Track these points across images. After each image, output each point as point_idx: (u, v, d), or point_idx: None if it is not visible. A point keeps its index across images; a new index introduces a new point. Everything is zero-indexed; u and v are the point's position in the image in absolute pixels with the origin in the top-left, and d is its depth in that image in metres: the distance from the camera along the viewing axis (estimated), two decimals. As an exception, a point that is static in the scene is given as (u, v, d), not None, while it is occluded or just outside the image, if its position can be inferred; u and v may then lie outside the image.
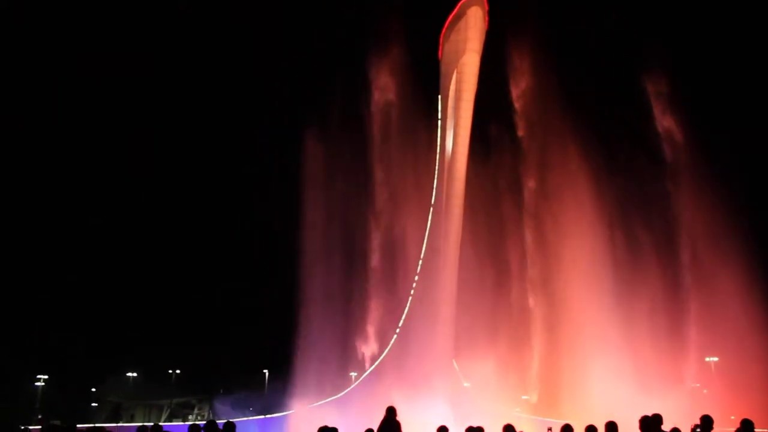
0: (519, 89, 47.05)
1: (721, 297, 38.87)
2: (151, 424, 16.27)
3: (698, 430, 13.96)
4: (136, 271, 75.74)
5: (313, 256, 44.41)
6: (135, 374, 73.34)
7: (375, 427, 16.02)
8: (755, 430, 13.41)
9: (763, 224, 42.94)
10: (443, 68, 49.01)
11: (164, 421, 62.19)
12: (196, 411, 74.45)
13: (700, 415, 13.98)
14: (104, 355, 70.03)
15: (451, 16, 48.43)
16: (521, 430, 14.21)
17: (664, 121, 44.23)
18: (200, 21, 78.48)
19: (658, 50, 44.14)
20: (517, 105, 46.99)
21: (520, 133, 47.24)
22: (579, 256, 41.41)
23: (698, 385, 46.75)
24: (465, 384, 45.38)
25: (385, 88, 48.09)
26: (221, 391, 76.42)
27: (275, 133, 68.58)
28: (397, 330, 46.55)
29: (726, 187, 40.71)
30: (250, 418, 49.69)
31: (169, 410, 71.08)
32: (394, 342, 46.42)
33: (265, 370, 73.51)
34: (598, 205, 41.81)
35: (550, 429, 14.75)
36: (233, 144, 77.69)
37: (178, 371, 76.91)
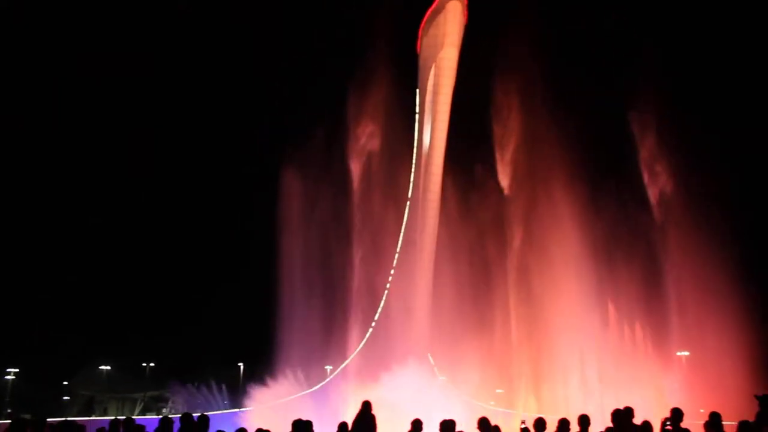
0: (504, 145, 46.30)
1: (693, 294, 39.36)
2: (123, 417, 16.07)
3: (668, 423, 14.14)
4: (110, 263, 75.09)
5: (291, 251, 44.16)
6: (108, 367, 72.64)
7: (350, 421, 16.02)
8: (723, 422, 13.64)
9: (733, 228, 43.55)
10: (421, 62, 49.02)
11: (137, 415, 61.68)
12: (170, 404, 73.86)
13: (670, 408, 14.20)
14: (77, 347, 69.25)
15: (429, 10, 48.41)
16: (496, 423, 14.28)
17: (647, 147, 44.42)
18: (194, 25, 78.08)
19: (648, 88, 44.24)
20: (500, 155, 46.33)
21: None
22: (558, 253, 41.48)
23: (671, 379, 47.33)
24: (440, 378, 45.51)
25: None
26: (195, 384, 75.87)
27: (262, 136, 68.43)
28: (373, 323, 46.49)
29: (700, 192, 41.27)
30: (225, 411, 49.39)
31: (142, 403, 70.53)
32: (369, 335, 46.38)
33: (241, 363, 73.17)
34: (578, 208, 41.90)
35: (524, 422, 14.87)
36: (220, 143, 77.51)
37: (152, 364, 76.25)
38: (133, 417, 19.38)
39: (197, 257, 77.15)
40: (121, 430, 14.98)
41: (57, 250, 74.45)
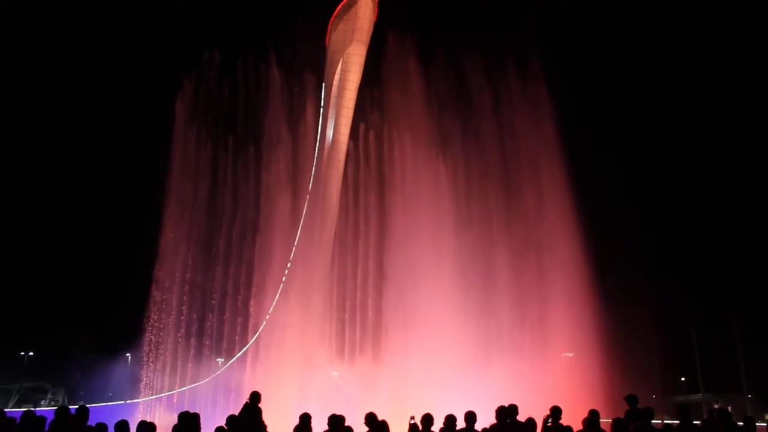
0: None
1: (575, 297, 40.94)
2: (-7, 409, 15.18)
3: (549, 420, 14.77)
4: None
5: (184, 240, 43.13)
6: (-20, 356, 68.64)
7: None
8: (600, 419, 14.37)
9: (607, 239, 45.76)
10: (329, 57, 48.78)
11: (12, 407, 58.57)
12: (49, 396, 70.66)
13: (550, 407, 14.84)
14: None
15: (340, 5, 48.25)
16: (383, 418, 14.41)
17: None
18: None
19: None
20: None
21: None
22: (446, 250, 41.73)
23: (555, 378, 49.17)
24: (333, 373, 45.57)
25: None
26: (79, 375, 72.68)
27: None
28: (267, 316, 45.95)
29: (572, 201, 43.00)
30: (109, 403, 47.83)
31: (18, 395, 67.00)
32: (263, 328, 45.81)
33: (128, 354, 70.63)
34: (455, 208, 42.56)
35: (412, 418, 15.13)
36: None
37: (31, 353, 72.45)
38: (5, 409, 18.36)
39: (75, 242, 73.70)
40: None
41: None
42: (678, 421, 14.49)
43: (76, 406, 14.16)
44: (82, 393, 68.61)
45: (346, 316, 45.87)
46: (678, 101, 73.44)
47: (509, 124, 44.57)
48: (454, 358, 38.86)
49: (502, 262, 41.95)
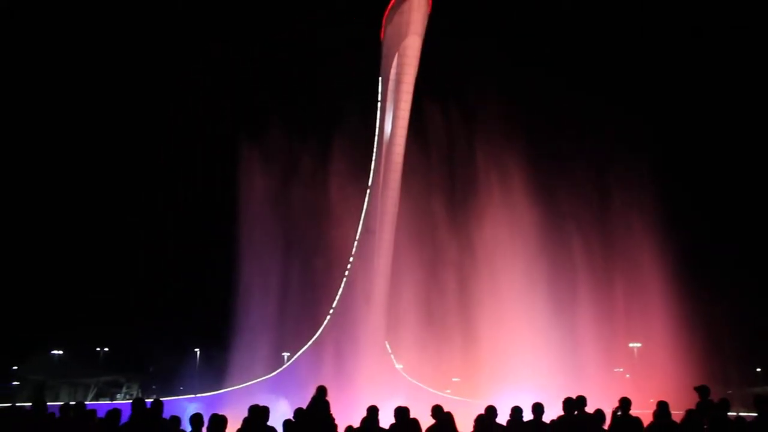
0: None
1: (643, 287, 40.17)
2: (74, 402, 15.82)
3: (619, 412, 14.47)
4: (61, 246, 73.28)
5: (249, 236, 43.73)
6: (60, 352, 71.41)
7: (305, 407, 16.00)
8: (671, 411, 14.00)
9: (680, 222, 44.73)
10: (385, 50, 48.67)
11: (90, 400, 60.84)
12: (124, 390, 73.15)
13: (619, 398, 14.53)
14: (26, 332, 67.43)
15: (395, -2, 48.10)
16: (448, 410, 14.40)
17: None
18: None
19: None
20: None
21: None
22: (511, 249, 41.56)
23: (622, 369, 48.46)
24: (397, 365, 45.77)
25: None
26: (150, 370, 75.02)
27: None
28: (331, 311, 46.46)
29: (646, 186, 42.20)
30: (181, 396, 49.07)
31: (95, 389, 69.64)
32: (327, 322, 46.36)
33: (197, 349, 72.55)
34: (531, 197, 42.30)
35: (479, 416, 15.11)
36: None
37: (106, 349, 75.20)
38: (86, 402, 19.16)
39: (149, 240, 75.60)
40: (72, 415, 14.75)
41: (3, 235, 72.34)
42: (756, 414, 14.00)
43: (151, 400, 14.57)
44: (154, 387, 70.91)
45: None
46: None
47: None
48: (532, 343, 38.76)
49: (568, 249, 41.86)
